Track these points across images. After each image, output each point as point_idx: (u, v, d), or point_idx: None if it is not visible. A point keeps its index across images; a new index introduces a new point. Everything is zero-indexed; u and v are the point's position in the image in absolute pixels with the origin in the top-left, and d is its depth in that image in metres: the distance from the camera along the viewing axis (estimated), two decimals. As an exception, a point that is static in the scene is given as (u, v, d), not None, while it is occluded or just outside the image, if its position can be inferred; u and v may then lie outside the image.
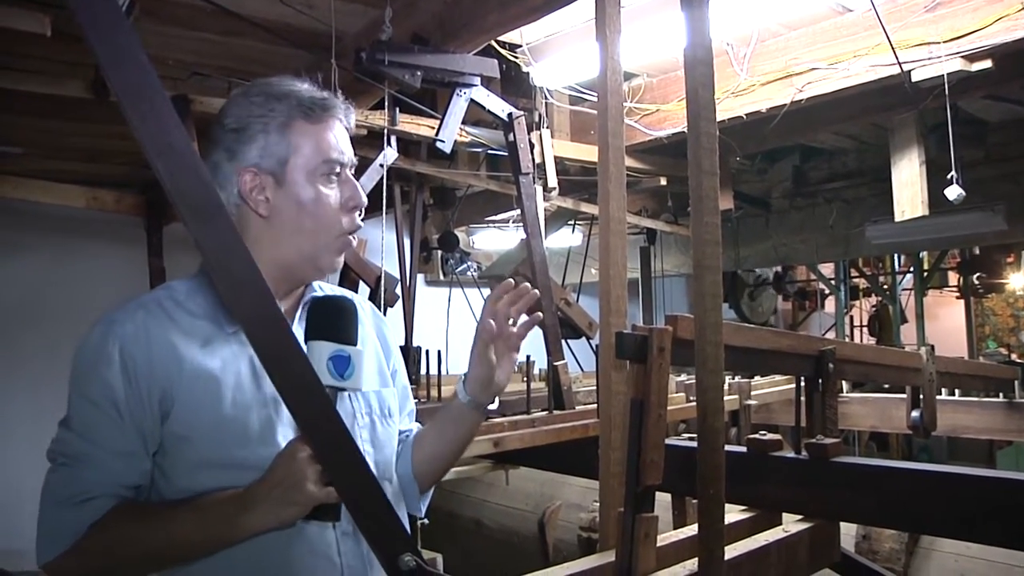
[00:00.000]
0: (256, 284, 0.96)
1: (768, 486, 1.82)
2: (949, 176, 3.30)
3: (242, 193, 1.31)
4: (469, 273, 5.75)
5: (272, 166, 1.30)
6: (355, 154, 1.39)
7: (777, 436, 1.88)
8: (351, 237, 1.35)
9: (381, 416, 1.41)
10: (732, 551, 1.49)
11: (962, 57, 3.02)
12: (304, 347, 1.12)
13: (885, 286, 9.65)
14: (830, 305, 10.63)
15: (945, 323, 10.91)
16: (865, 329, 10.68)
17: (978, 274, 9.59)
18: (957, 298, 10.60)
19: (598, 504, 3.44)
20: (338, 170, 1.34)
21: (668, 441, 1.47)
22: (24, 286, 6.27)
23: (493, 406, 1.46)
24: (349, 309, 1.24)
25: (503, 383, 1.43)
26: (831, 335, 9.28)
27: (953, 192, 3.27)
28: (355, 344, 1.19)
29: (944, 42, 3.05)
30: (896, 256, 9.31)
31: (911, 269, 9.28)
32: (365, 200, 1.35)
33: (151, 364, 1.21)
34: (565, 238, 6.65)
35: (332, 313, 1.21)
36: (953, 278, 10.45)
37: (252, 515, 1.12)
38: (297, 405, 1.00)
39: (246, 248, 0.94)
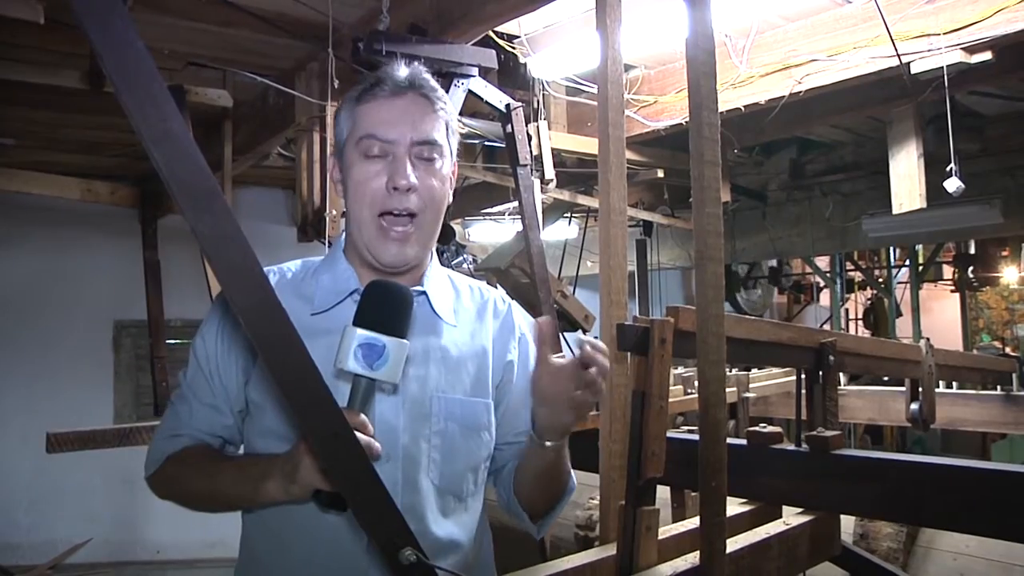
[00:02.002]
0: (253, 272, 0.94)
1: (768, 479, 1.82)
2: (948, 168, 3.29)
3: (332, 179, 1.38)
4: (465, 266, 5.71)
5: (339, 149, 1.35)
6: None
7: (777, 428, 1.87)
8: (405, 223, 1.28)
9: (464, 427, 1.32)
10: (733, 544, 1.49)
11: (962, 49, 3.02)
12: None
13: (880, 279, 9.67)
14: (824, 298, 10.64)
15: (939, 316, 10.93)
16: (860, 322, 10.70)
17: (973, 268, 9.61)
18: (952, 291, 10.63)
19: (594, 501, 3.44)
20: (376, 146, 1.27)
21: (668, 434, 1.46)
22: (18, 278, 6.24)
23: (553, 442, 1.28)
24: (398, 298, 1.15)
25: (571, 424, 1.25)
26: (826, 328, 9.28)
27: (952, 184, 3.26)
28: (400, 336, 1.12)
29: (944, 34, 3.04)
30: (892, 249, 9.32)
31: (907, 262, 9.29)
32: (407, 181, 1.25)
33: (241, 333, 1.29)
34: (561, 231, 6.65)
35: (378, 300, 1.14)
36: (948, 271, 10.47)
37: (267, 483, 1.18)
38: (293, 394, 0.98)
39: (243, 236, 0.91)
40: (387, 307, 1.14)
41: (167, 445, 1.36)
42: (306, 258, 1.43)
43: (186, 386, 1.37)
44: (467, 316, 1.41)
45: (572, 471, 1.43)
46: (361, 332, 1.10)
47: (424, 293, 1.34)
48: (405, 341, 1.13)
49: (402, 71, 1.31)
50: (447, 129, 1.33)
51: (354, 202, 1.29)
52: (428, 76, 1.34)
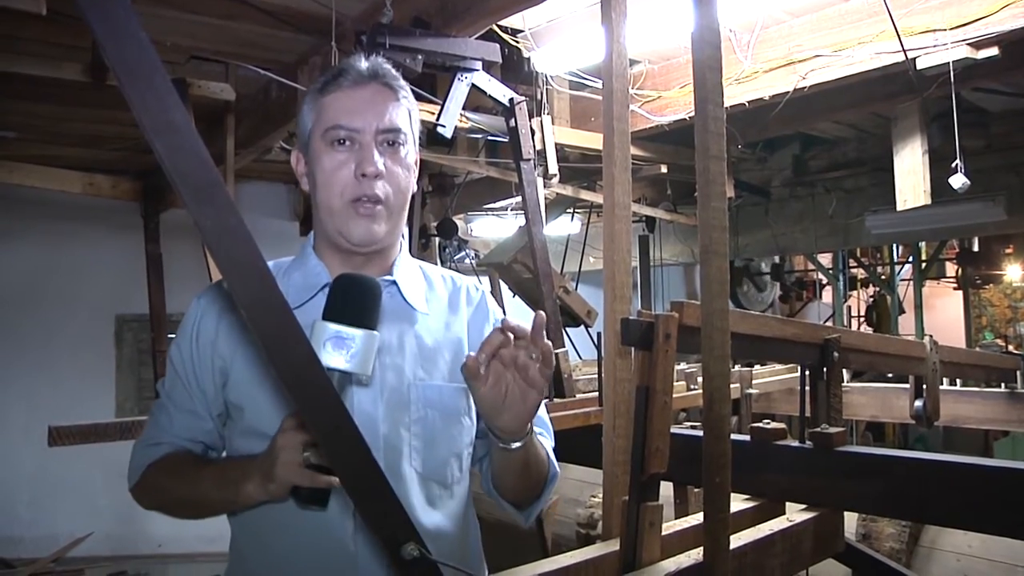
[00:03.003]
0: (255, 265, 0.93)
1: (772, 475, 1.81)
2: (954, 165, 3.27)
3: (296, 172, 1.39)
4: (467, 261, 5.73)
5: (303, 142, 1.36)
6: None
7: (781, 425, 1.86)
8: (374, 205, 1.29)
9: (444, 413, 1.32)
10: (737, 540, 1.48)
11: (968, 44, 2.99)
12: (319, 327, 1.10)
13: (883, 276, 9.65)
14: (826, 295, 10.62)
15: (941, 314, 10.91)
16: (863, 319, 10.68)
17: (976, 265, 9.59)
18: (954, 289, 10.61)
19: (596, 499, 3.43)
20: (343, 136, 1.30)
21: (671, 429, 1.45)
22: (19, 272, 6.25)
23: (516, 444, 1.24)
24: (365, 289, 1.15)
25: (511, 424, 1.20)
26: (828, 325, 9.25)
27: (958, 181, 3.25)
28: (370, 327, 1.12)
29: (950, 29, 3.01)
30: (894, 246, 9.30)
31: (909, 259, 9.27)
32: (375, 168, 1.28)
33: (217, 336, 1.33)
34: (564, 226, 6.64)
35: (346, 292, 1.15)
36: (951, 269, 10.45)
37: (247, 484, 1.19)
38: (295, 388, 0.98)
39: (246, 229, 0.91)
40: (355, 299, 1.14)
41: (148, 454, 1.37)
42: (276, 259, 1.43)
43: (164, 394, 1.38)
44: (439, 304, 1.42)
45: (553, 458, 1.42)
46: (330, 326, 1.10)
47: (394, 283, 1.35)
48: (375, 332, 1.13)
49: (363, 63, 1.33)
50: (410, 118, 1.36)
51: (324, 191, 1.31)
52: (389, 67, 1.36)
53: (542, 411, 1.48)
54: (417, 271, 1.43)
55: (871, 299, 10.69)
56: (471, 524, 1.43)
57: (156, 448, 1.36)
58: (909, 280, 9.38)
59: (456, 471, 1.35)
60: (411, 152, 1.35)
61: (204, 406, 1.34)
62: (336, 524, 1.23)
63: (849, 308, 10.36)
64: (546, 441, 1.43)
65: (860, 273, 10.17)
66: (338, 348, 1.09)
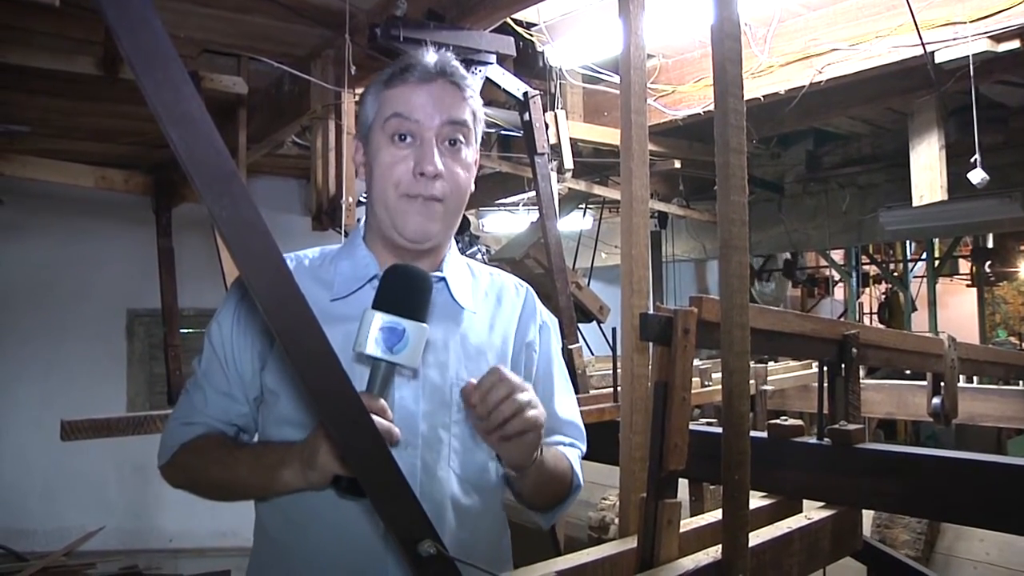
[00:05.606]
0: (272, 257, 0.92)
1: (789, 472, 1.79)
2: (972, 160, 3.24)
3: (354, 161, 1.38)
4: (478, 257, 5.71)
5: (363, 132, 1.35)
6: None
7: (799, 421, 1.84)
8: (432, 202, 1.27)
9: None
10: (755, 538, 1.46)
11: (989, 37, 2.96)
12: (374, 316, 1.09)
13: (896, 273, 9.60)
14: (838, 292, 10.57)
15: (954, 311, 10.85)
16: (875, 316, 10.63)
17: (990, 262, 9.53)
18: (968, 286, 10.54)
19: (607, 501, 3.40)
20: (404, 130, 1.27)
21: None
22: (31, 266, 6.26)
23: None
24: (417, 281, 1.15)
25: (517, 462, 1.24)
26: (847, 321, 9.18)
27: (977, 176, 3.21)
28: (420, 320, 1.11)
29: (970, 22, 2.98)
30: (907, 243, 9.25)
31: (923, 256, 9.21)
32: (434, 168, 1.25)
33: (258, 318, 1.30)
34: (575, 222, 6.62)
35: (398, 283, 1.14)
36: (964, 266, 10.38)
37: (286, 471, 1.18)
38: (311, 381, 0.96)
39: (263, 220, 0.89)
40: (407, 291, 1.13)
41: (181, 433, 1.35)
42: (323, 246, 1.42)
43: (200, 373, 1.36)
44: (486, 303, 1.40)
45: (578, 469, 1.41)
46: (381, 316, 1.09)
47: (443, 279, 1.33)
48: (425, 325, 1.11)
49: (431, 57, 1.30)
50: (474, 117, 1.33)
51: (380, 184, 1.29)
52: (457, 63, 1.33)
53: (576, 417, 1.48)
54: (465, 269, 1.41)
55: (883, 296, 10.64)
56: (503, 528, 1.41)
57: (190, 428, 1.35)
58: (922, 277, 9.31)
59: (492, 475, 1.33)
60: (471, 151, 1.33)
61: (240, 389, 1.33)
62: (368, 519, 1.21)
63: (861, 305, 10.31)
64: (572, 452, 1.42)
65: (872, 270, 10.12)
66: (387, 339, 1.08)
